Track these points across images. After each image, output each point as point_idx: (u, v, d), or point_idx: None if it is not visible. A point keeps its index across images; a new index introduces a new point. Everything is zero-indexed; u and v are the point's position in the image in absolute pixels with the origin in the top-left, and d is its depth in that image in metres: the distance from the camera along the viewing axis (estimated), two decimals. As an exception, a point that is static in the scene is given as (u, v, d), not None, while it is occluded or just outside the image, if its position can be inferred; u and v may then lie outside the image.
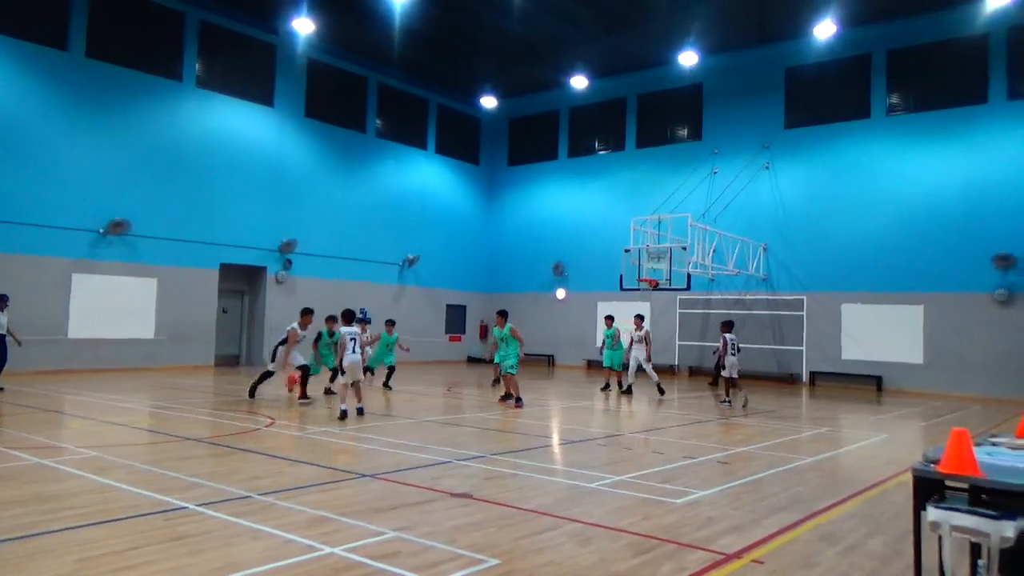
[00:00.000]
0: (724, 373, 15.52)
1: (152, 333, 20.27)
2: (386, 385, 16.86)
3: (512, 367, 13.83)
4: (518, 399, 13.72)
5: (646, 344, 16.65)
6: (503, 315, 14.23)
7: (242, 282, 23.32)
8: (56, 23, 18.87)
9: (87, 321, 18.95)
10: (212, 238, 21.66)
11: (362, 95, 26.53)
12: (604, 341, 17.71)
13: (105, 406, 12.33)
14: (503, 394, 14.50)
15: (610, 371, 17.72)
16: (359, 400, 11.69)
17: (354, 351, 11.48)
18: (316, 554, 4.78)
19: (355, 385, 11.64)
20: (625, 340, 17.40)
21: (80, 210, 18.95)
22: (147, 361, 20.00)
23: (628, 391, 16.98)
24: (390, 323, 17.44)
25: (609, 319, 17.99)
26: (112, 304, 19.43)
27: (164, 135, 20.79)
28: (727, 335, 15.54)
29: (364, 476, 7.30)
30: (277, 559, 4.65)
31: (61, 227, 18.61)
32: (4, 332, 13.89)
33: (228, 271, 22.31)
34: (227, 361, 22.88)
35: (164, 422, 10.86)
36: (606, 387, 17.85)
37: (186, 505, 5.88)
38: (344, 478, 7.17)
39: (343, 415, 11.19)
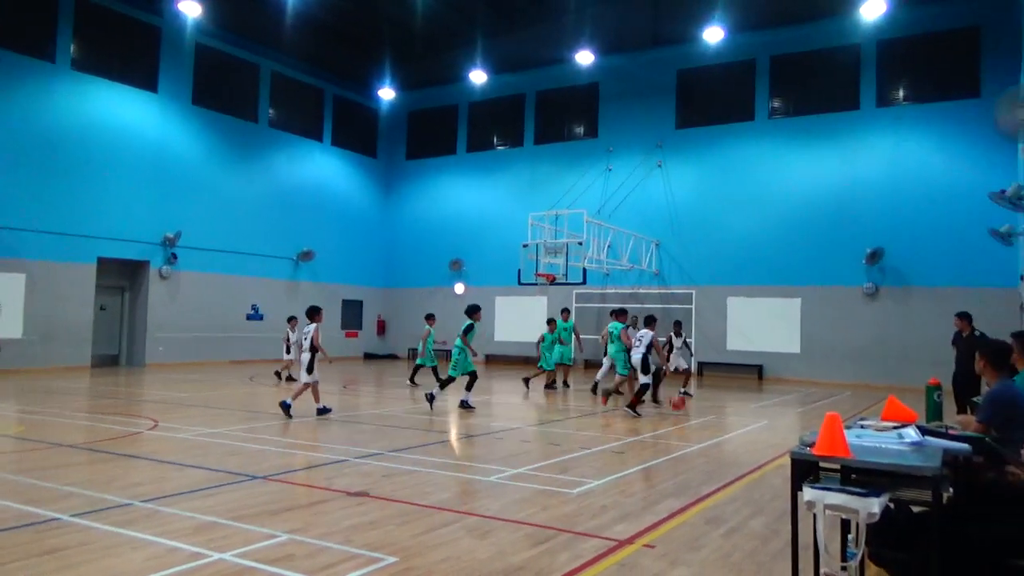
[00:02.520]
0: (670, 367, 16.10)
1: (20, 332, 18.82)
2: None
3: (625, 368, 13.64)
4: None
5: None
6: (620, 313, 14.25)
7: (122, 277, 22.01)
8: (-95, -7, 17.21)
9: (-56, 320, 17.40)
10: (88, 231, 20.31)
11: (254, 83, 25.55)
12: (558, 337, 17.58)
13: (-35, 412, 11.36)
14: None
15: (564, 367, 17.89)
16: (316, 399, 11.57)
17: (304, 349, 11.59)
18: (204, 561, 4.58)
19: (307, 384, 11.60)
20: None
21: (-65, 199, 17.38)
22: (14, 362, 18.52)
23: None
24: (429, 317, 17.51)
25: (566, 312, 18.37)
26: (-27, 301, 17.93)
27: (34, 120, 19.31)
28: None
29: (255, 478, 7.05)
30: (161, 568, 4.43)
31: (-88, 217, 17.03)
32: None
33: (107, 265, 20.99)
34: (105, 361, 21.55)
35: (34, 428, 10.11)
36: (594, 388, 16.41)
37: (59, 516, 5.50)
38: (234, 481, 6.90)
39: (287, 410, 11.31)
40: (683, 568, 4.70)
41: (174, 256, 22.37)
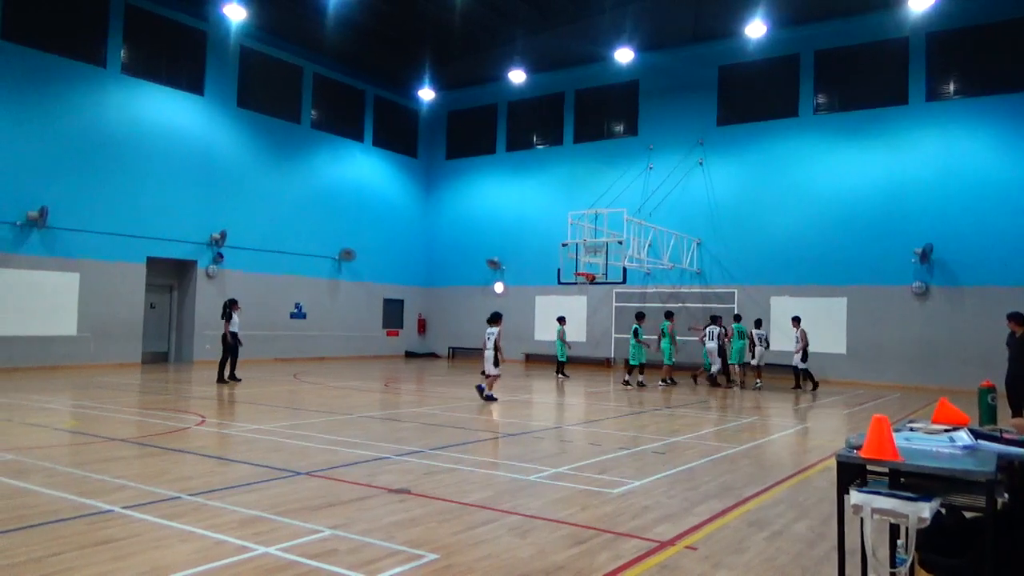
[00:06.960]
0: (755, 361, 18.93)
1: (75, 330, 19.43)
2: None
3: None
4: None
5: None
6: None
7: (171, 276, 22.58)
8: (-34, 3, 17.86)
9: (3, 317, 18.04)
10: (138, 231, 20.89)
11: (297, 85, 25.96)
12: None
13: (24, 406, 11.76)
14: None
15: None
16: (489, 388, 13.85)
17: (487, 347, 13.76)
18: (249, 554, 4.68)
19: (489, 376, 13.82)
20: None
21: (-5, 201, 18.02)
22: (69, 359, 19.17)
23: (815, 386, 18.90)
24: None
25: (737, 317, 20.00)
26: (31, 299, 18.55)
27: (87, 123, 19.92)
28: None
29: (299, 474, 7.17)
30: (208, 561, 4.53)
31: (-27, 219, 17.68)
32: (236, 331, 16.26)
33: (156, 265, 21.56)
34: (155, 358, 22.13)
35: (88, 422, 10.43)
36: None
37: (111, 508, 5.67)
38: (278, 476, 7.03)
39: (483, 394, 13.76)
40: (726, 571, 4.64)
41: (220, 255, 22.85)
